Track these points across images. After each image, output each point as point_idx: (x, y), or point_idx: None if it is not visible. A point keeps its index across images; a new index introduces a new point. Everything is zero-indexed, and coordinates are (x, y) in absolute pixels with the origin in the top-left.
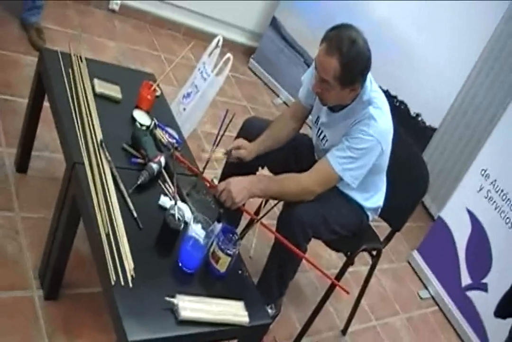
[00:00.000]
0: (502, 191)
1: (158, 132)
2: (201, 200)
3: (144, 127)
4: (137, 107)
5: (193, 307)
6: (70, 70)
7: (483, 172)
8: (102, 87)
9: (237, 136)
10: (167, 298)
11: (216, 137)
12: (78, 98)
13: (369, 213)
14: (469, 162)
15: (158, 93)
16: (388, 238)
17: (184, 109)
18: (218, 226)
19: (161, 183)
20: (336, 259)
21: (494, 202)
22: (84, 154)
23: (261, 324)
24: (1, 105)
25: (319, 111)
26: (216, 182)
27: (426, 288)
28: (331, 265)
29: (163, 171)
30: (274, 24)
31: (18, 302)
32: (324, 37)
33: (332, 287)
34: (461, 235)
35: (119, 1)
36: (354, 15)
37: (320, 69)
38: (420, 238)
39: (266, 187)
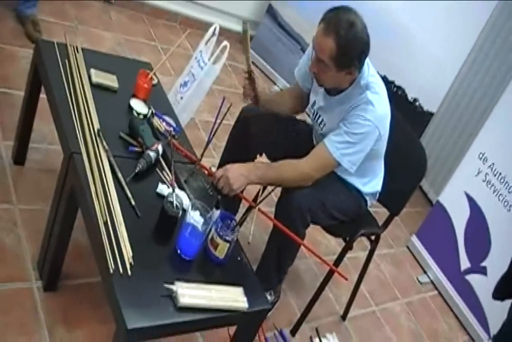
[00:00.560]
0: (500, 174)
1: (156, 121)
2: (199, 187)
3: (141, 116)
4: (134, 96)
5: (192, 293)
6: (66, 61)
7: (481, 156)
8: (99, 77)
9: (235, 125)
10: (166, 285)
11: (213, 126)
12: (74, 88)
13: (367, 198)
14: (467, 147)
15: (155, 82)
16: (387, 223)
17: (181, 98)
18: (216, 213)
19: (158, 171)
20: (335, 245)
21: (492, 185)
22: (82, 144)
23: (261, 310)
24: None
25: (316, 95)
26: (214, 169)
27: (425, 272)
28: (330, 251)
29: (161, 158)
30: (271, 12)
31: (17, 294)
32: (323, 17)
33: (330, 273)
34: (459, 219)
35: None
36: (351, 1)
37: (317, 49)
38: (418, 223)
39: (264, 174)
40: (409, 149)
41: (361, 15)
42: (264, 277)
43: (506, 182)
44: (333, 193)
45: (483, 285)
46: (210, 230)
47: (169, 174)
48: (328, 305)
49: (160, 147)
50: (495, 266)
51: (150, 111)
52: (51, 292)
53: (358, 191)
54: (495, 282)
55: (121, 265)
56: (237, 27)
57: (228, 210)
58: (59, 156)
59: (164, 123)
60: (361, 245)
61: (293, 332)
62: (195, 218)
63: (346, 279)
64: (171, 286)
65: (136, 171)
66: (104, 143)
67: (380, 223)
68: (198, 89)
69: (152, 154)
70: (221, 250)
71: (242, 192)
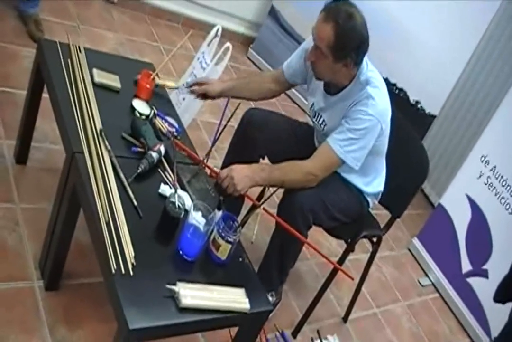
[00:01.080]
0: (502, 177)
1: (158, 121)
2: (201, 188)
3: (143, 116)
4: (136, 96)
5: (194, 294)
6: (69, 61)
7: (483, 158)
8: (101, 77)
9: (238, 127)
10: (168, 286)
11: (218, 127)
12: (77, 88)
13: (369, 199)
14: (469, 149)
15: (157, 82)
16: (388, 225)
17: (184, 99)
18: (219, 214)
19: (161, 172)
20: (337, 247)
21: (494, 188)
22: (84, 143)
23: (262, 311)
24: (1, 98)
25: (314, 96)
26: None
27: (426, 275)
28: (332, 253)
29: (163, 159)
30: (273, 13)
31: (18, 293)
32: (324, 8)
33: (334, 272)
34: (461, 221)
35: None
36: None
37: (315, 36)
38: (420, 225)
39: (269, 175)
40: (411, 151)
41: (362, 12)
42: (266, 278)
43: (508, 185)
44: (335, 194)
45: (484, 288)
46: (212, 230)
47: (171, 175)
48: (330, 306)
49: (162, 148)
50: (496, 268)
51: (152, 111)
52: (52, 291)
53: (360, 192)
54: (496, 285)
55: (123, 265)
56: (240, 28)
57: (230, 211)
58: (61, 156)
59: (166, 124)
60: (363, 247)
61: (295, 333)
62: (197, 218)
63: (352, 279)
64: (173, 287)
65: (138, 171)
66: (106, 143)
67: (382, 225)
68: None
69: (154, 155)
70: (223, 251)
71: (245, 192)
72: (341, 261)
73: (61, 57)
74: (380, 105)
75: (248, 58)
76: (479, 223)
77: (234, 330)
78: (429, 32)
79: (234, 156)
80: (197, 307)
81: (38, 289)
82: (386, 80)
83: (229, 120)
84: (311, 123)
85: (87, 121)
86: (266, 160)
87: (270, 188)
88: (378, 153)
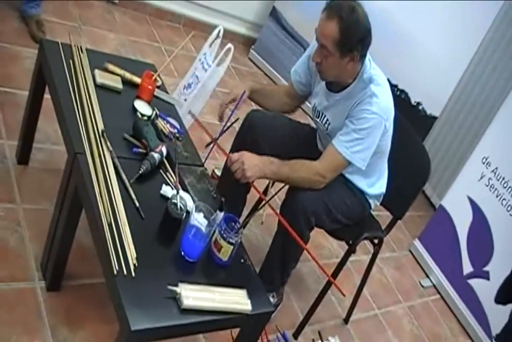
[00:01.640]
0: (503, 178)
1: (160, 122)
2: (203, 189)
3: (145, 117)
4: (138, 97)
5: (195, 295)
6: (70, 61)
7: (484, 160)
8: (103, 77)
9: (240, 129)
10: (170, 287)
11: (230, 115)
12: (79, 88)
13: (371, 201)
14: (470, 151)
15: (159, 83)
16: (390, 226)
17: (185, 100)
18: (220, 215)
19: (162, 173)
20: (338, 248)
21: (496, 189)
22: (86, 144)
23: (264, 312)
24: (2, 98)
25: (316, 97)
26: (218, 172)
27: (427, 276)
28: (333, 255)
29: (165, 160)
30: (274, 14)
31: (20, 294)
32: (325, 6)
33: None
34: (462, 223)
35: None
36: None
37: (319, 35)
38: (421, 227)
39: (278, 169)
40: (412, 153)
41: (363, 6)
42: (267, 278)
43: (510, 187)
44: (338, 197)
45: (485, 290)
46: (214, 232)
47: (173, 176)
48: (331, 308)
49: (164, 149)
50: (497, 270)
51: (154, 112)
52: (54, 292)
53: (363, 194)
54: (497, 287)
55: (125, 266)
56: (241, 29)
57: (231, 212)
58: (63, 157)
59: (168, 125)
60: (364, 248)
61: (296, 335)
62: (199, 220)
63: (344, 295)
64: (175, 288)
65: (140, 172)
66: (108, 144)
67: (383, 227)
68: (202, 91)
69: (156, 156)
70: (225, 252)
71: (253, 182)
72: (342, 262)
73: (63, 57)
74: (383, 102)
75: (250, 59)
76: (480, 225)
77: (236, 331)
78: (431, 34)
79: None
80: (199, 308)
81: (40, 290)
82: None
83: (235, 108)
84: (313, 125)
85: (89, 122)
86: None
87: (273, 189)
88: (382, 153)
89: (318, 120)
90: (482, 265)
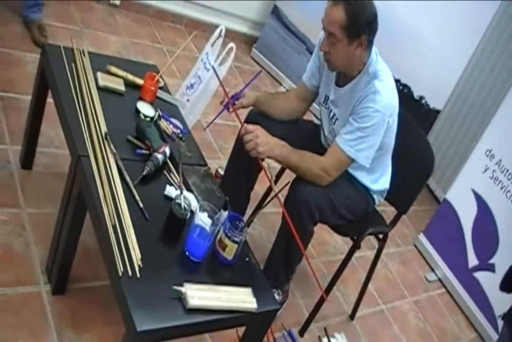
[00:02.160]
0: (507, 170)
1: (163, 123)
2: (207, 189)
3: (148, 119)
4: (140, 99)
5: (201, 295)
6: (73, 65)
7: (488, 153)
8: (106, 80)
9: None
10: (175, 287)
11: (244, 87)
12: (81, 92)
13: (375, 196)
14: (474, 144)
15: (161, 84)
16: (394, 221)
17: (188, 100)
18: (224, 214)
19: (166, 173)
20: (343, 244)
21: (500, 182)
22: (89, 147)
23: (269, 310)
24: (5, 103)
25: (327, 90)
26: (221, 172)
27: (433, 270)
28: (338, 251)
29: (168, 161)
30: (276, 12)
31: (26, 298)
32: None
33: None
34: (467, 216)
35: None
36: None
37: (327, 22)
38: (426, 221)
39: (288, 154)
40: (416, 147)
41: None
42: (271, 274)
43: None
44: (342, 192)
45: (491, 282)
46: (218, 231)
47: (177, 176)
48: (336, 304)
49: (167, 150)
50: (503, 262)
51: (157, 113)
52: (59, 295)
53: (367, 190)
54: None
55: (130, 268)
56: (242, 28)
57: (236, 211)
58: (66, 160)
59: (171, 126)
60: (369, 244)
61: (302, 332)
62: (203, 219)
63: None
64: (180, 288)
65: (144, 173)
66: (112, 146)
67: (388, 222)
68: (204, 91)
69: (159, 156)
70: (230, 251)
71: (262, 160)
72: (347, 258)
73: (65, 61)
74: (385, 99)
75: (252, 57)
76: (485, 217)
77: (242, 330)
78: (432, 29)
79: (238, 157)
80: (204, 308)
81: (45, 294)
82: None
83: (248, 83)
84: (316, 122)
85: (92, 125)
86: (271, 160)
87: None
88: (386, 150)
89: (326, 115)
90: (488, 257)
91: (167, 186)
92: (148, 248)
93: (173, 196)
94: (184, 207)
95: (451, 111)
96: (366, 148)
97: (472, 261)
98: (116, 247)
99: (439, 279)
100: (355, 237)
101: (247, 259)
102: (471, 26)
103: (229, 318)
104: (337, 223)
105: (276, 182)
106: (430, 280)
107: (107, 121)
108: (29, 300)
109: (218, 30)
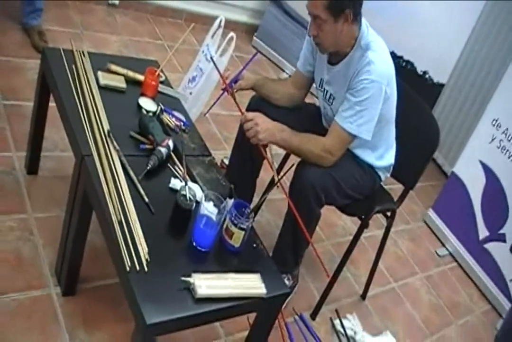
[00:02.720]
0: None
1: (165, 117)
2: (212, 179)
3: (150, 114)
4: (142, 94)
5: (209, 284)
6: (73, 66)
7: (494, 122)
8: (106, 78)
9: (246, 111)
10: (183, 278)
11: (242, 69)
12: (83, 92)
13: (380, 173)
14: (479, 115)
15: (162, 78)
16: (402, 198)
17: (191, 93)
18: (230, 202)
19: (170, 166)
20: (352, 225)
21: (507, 151)
22: (92, 146)
23: (279, 295)
24: (8, 111)
25: (321, 72)
26: (226, 162)
27: (443, 245)
28: (347, 232)
29: (172, 154)
30: None
31: (36, 301)
32: None
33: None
34: (475, 188)
35: None
36: None
37: (310, 6)
38: (434, 197)
39: (289, 138)
40: (420, 121)
41: None
42: (280, 259)
43: None
44: (347, 171)
45: (502, 253)
46: (225, 219)
47: (181, 168)
48: (347, 285)
49: (171, 143)
50: None
51: (159, 108)
52: (69, 297)
53: (371, 167)
54: None
55: (137, 262)
56: (242, 17)
57: (242, 199)
58: (71, 163)
59: (173, 119)
60: (378, 223)
61: (313, 315)
62: (209, 209)
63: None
64: (188, 279)
65: (148, 167)
66: (115, 143)
67: (395, 199)
68: (206, 83)
69: (163, 150)
70: (237, 238)
71: (265, 146)
72: (356, 238)
73: (66, 63)
74: (380, 68)
75: (253, 46)
76: (494, 188)
77: (252, 317)
78: (431, 4)
79: (241, 145)
80: (213, 296)
81: (56, 296)
82: (392, 53)
83: (245, 67)
84: (318, 104)
85: (95, 124)
86: (274, 146)
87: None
88: (387, 122)
89: (323, 97)
90: (498, 227)
91: (172, 178)
92: (155, 242)
93: (178, 188)
94: (189, 197)
95: (456, 84)
96: (367, 122)
97: (483, 232)
98: (122, 242)
99: (450, 253)
100: (363, 216)
101: (254, 245)
102: None
103: (238, 305)
104: (344, 202)
105: (281, 168)
106: (441, 255)
107: (109, 119)
108: (40, 303)
109: (217, 21)
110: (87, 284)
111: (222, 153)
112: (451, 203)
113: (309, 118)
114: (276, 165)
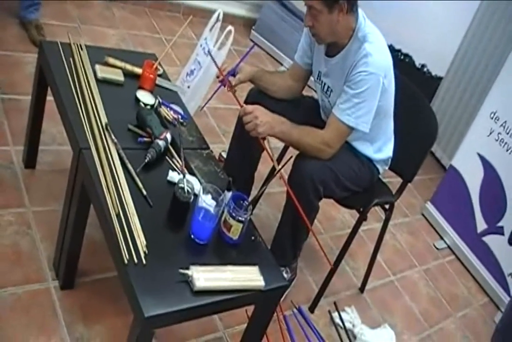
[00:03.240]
0: None
1: (163, 110)
2: (210, 172)
3: (148, 107)
4: (140, 87)
5: (207, 276)
6: (70, 59)
7: (492, 115)
8: (104, 72)
9: (245, 103)
10: (181, 270)
11: (239, 61)
12: (80, 85)
13: (379, 166)
14: (478, 108)
15: (160, 72)
16: (400, 190)
17: (189, 87)
18: (228, 195)
19: (168, 159)
20: (350, 219)
21: (505, 143)
22: (90, 139)
23: (277, 287)
24: (6, 105)
25: (319, 65)
26: (224, 155)
27: (441, 238)
28: (345, 226)
29: (170, 147)
30: None
31: (35, 295)
32: None
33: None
34: (473, 181)
35: None
36: None
37: None
38: (433, 190)
39: (288, 131)
40: (419, 114)
41: None
42: (279, 252)
43: None
44: (345, 164)
45: (500, 245)
46: (223, 212)
47: (179, 161)
48: (346, 278)
49: (168, 136)
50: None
51: (157, 101)
52: (68, 290)
53: (370, 160)
54: None
55: (136, 255)
56: (241, 11)
57: (240, 192)
58: (69, 156)
59: (171, 112)
60: (376, 217)
61: (312, 308)
62: (207, 201)
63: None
64: (186, 271)
65: (146, 160)
66: (113, 136)
67: (394, 192)
68: (204, 76)
69: (161, 143)
70: (235, 231)
71: (264, 139)
72: (354, 230)
73: (63, 56)
74: (377, 59)
75: (251, 40)
76: (492, 180)
77: (251, 310)
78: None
79: (240, 138)
80: (212, 289)
81: (54, 290)
82: (390, 47)
83: (242, 59)
84: (316, 96)
85: (92, 117)
86: (275, 140)
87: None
88: (385, 114)
89: (321, 90)
90: (496, 220)
91: (170, 171)
92: (153, 234)
93: (176, 181)
94: (187, 190)
95: (454, 77)
96: (365, 114)
97: (481, 225)
98: (120, 235)
99: (448, 246)
100: (361, 209)
101: (252, 237)
102: None
103: (237, 297)
104: (342, 195)
105: (279, 161)
106: (439, 248)
107: (107, 112)
108: (38, 297)
109: (215, 15)
110: (85, 277)
111: (220, 147)
112: (449, 196)
113: (307, 111)
114: (275, 157)
